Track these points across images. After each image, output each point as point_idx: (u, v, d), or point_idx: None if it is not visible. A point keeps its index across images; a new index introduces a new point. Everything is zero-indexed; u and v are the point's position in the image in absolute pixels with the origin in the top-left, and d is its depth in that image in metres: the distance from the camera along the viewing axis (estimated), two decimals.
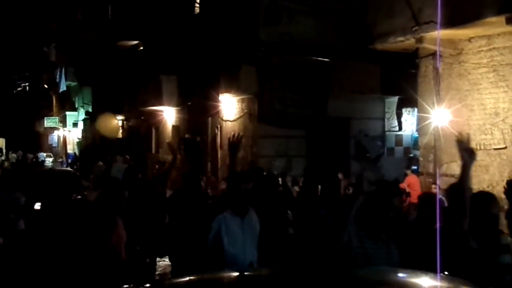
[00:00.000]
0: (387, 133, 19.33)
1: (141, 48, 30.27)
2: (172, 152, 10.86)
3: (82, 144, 46.36)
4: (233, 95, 19.21)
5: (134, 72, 30.07)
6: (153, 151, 30.16)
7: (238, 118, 19.66)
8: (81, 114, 47.06)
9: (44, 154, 45.30)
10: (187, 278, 3.79)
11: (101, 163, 27.14)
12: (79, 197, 16.93)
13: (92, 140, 43.22)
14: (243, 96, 18.86)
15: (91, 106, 42.90)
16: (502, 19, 10.18)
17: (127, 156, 26.42)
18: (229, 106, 20.16)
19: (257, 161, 17.41)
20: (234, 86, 18.55)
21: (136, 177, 10.07)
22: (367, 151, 6.01)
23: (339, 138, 18.17)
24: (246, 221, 6.65)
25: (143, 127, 31.71)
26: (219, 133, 21.25)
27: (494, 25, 10.66)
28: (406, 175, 14.44)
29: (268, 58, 17.38)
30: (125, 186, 7.78)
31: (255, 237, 6.68)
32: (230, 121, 20.20)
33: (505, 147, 11.16)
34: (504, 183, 11.07)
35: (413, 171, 14.50)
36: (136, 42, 30.46)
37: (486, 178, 11.48)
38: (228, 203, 6.81)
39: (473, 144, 11.73)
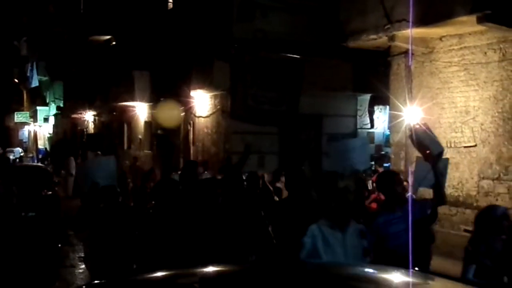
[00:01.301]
0: (359, 130, 19.42)
1: (114, 43, 30.05)
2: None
3: (53, 140, 45.93)
4: (206, 91, 19.17)
5: (106, 67, 29.85)
6: (125, 146, 30.00)
7: (210, 114, 19.62)
8: (52, 109, 46.60)
9: (20, 150, 44.73)
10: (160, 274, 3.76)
11: (72, 158, 26.96)
12: (50, 192, 16.84)
13: (63, 135, 42.87)
14: (216, 93, 18.83)
15: (62, 101, 42.48)
16: (473, 18, 10.28)
17: (99, 152, 26.27)
18: (202, 102, 20.11)
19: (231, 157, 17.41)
20: (207, 82, 18.51)
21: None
22: (427, 147, 5.60)
23: (311, 135, 18.23)
24: (348, 236, 5.07)
25: (115, 122, 31.53)
26: (191, 129, 21.20)
27: (465, 24, 10.77)
28: (376, 171, 14.53)
29: (241, 54, 17.36)
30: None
31: (359, 257, 5.09)
32: (203, 117, 20.15)
33: (475, 145, 11.29)
34: (474, 180, 11.25)
35: (385, 168, 14.58)
36: (108, 37, 30.23)
37: (456, 175, 11.60)
38: (323, 211, 5.35)
39: (443, 142, 11.88)
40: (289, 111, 17.66)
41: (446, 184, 11.67)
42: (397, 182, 5.99)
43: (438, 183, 5.78)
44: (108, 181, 7.76)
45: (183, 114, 21.60)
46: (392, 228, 5.67)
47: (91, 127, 37.10)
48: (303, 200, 7.06)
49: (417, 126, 5.76)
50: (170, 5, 23.06)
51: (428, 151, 5.56)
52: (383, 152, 18.14)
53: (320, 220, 5.14)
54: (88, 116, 36.44)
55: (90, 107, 34.29)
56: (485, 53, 11.11)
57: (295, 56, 17.09)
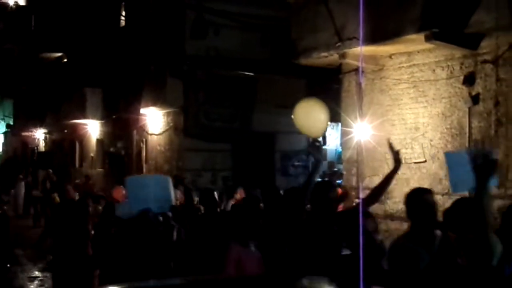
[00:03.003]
0: None
1: (65, 60, 29.74)
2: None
3: (2, 158, 45.07)
4: (159, 109, 19.09)
5: (57, 84, 29.50)
6: (77, 165, 29.60)
7: (163, 132, 19.53)
8: (1, 127, 45.75)
9: None
10: None
11: (21, 177, 26.48)
12: None
13: (13, 153, 42.10)
14: (169, 110, 18.76)
15: (12, 119, 41.77)
16: (421, 36, 10.45)
17: (50, 170, 25.88)
18: (155, 120, 20.01)
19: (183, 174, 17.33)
20: (159, 100, 18.44)
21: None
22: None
23: (264, 152, 18.28)
24: None
25: (67, 140, 31.12)
26: (144, 146, 21.06)
27: (414, 42, 10.94)
28: None
29: (194, 71, 17.37)
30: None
31: None
32: (156, 134, 20.05)
33: (425, 161, 11.44)
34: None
35: (338, 185, 14.66)
36: (60, 54, 29.91)
37: (406, 191, 11.69)
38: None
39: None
40: (242, 128, 17.70)
41: (397, 200, 11.85)
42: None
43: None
44: (164, 207, 6.74)
45: (135, 131, 21.45)
46: None
47: (42, 145, 36.53)
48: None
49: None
50: (123, 22, 22.96)
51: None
52: (335, 169, 18.28)
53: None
54: (39, 134, 35.89)
55: (41, 125, 33.78)
56: (434, 70, 11.30)
57: (248, 73, 17.16)
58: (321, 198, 5.95)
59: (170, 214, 7.09)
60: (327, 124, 5.98)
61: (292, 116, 6.14)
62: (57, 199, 14.83)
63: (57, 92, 29.24)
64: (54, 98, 29.46)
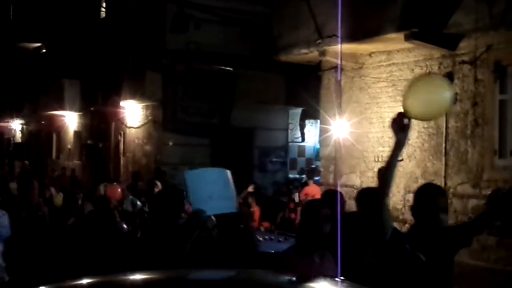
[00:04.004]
0: (290, 144, 19.62)
1: (44, 50, 29.51)
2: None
3: None
4: (138, 102, 19.02)
5: (35, 75, 29.26)
6: (54, 156, 29.41)
7: (142, 125, 19.47)
8: None
9: None
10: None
11: None
12: None
13: None
14: (148, 103, 18.71)
15: None
16: (401, 36, 10.52)
17: (26, 162, 25.70)
18: (133, 113, 19.94)
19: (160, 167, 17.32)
20: (138, 93, 18.38)
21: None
22: None
23: (243, 148, 18.30)
24: None
25: (44, 131, 30.88)
26: (122, 139, 20.98)
27: (394, 41, 11.01)
28: (307, 184, 14.68)
29: (173, 65, 17.32)
30: None
31: None
32: (134, 128, 19.98)
33: (402, 160, 11.49)
34: (400, 194, 11.49)
35: (315, 182, 14.73)
36: (38, 44, 29.68)
37: None
38: None
39: (371, 156, 12.13)
40: (221, 123, 17.70)
41: None
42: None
43: None
44: (229, 206, 5.58)
45: (113, 124, 21.37)
46: None
47: (18, 136, 36.23)
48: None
49: None
50: (103, 14, 22.83)
51: None
52: (313, 166, 18.36)
53: None
54: (16, 125, 35.58)
55: (18, 115, 33.48)
56: (412, 70, 11.38)
57: (227, 68, 17.16)
58: (428, 205, 4.93)
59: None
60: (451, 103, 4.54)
61: (406, 94, 4.52)
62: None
63: (34, 82, 29.01)
64: (32, 89, 29.22)
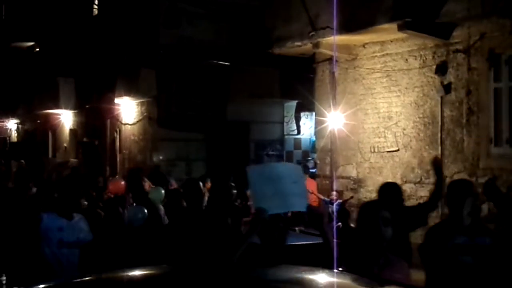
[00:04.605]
0: (286, 137, 19.61)
1: (37, 49, 29.42)
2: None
3: None
4: (132, 98, 18.99)
5: (29, 74, 29.18)
6: (50, 155, 29.37)
7: (137, 122, 19.45)
8: None
9: None
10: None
11: None
12: None
13: None
14: (143, 100, 18.68)
15: None
16: (394, 26, 10.52)
17: (22, 161, 25.64)
18: (129, 109, 19.91)
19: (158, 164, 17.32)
20: (133, 89, 18.35)
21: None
22: None
23: (238, 141, 18.29)
24: None
25: (40, 130, 30.83)
26: (118, 136, 20.96)
27: (387, 31, 11.00)
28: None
29: (167, 61, 17.28)
30: None
31: None
32: (130, 124, 19.96)
33: (398, 150, 11.54)
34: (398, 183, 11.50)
35: (311, 175, 14.70)
36: (31, 43, 29.57)
37: (380, 179, 11.80)
38: None
39: (367, 147, 12.14)
40: (215, 118, 17.68)
41: (370, 188, 11.94)
42: None
43: None
44: (298, 204, 5.01)
45: (108, 121, 21.35)
46: None
47: (14, 135, 36.17)
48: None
49: None
50: (95, 11, 22.75)
51: None
52: (309, 158, 18.37)
53: None
54: (11, 124, 35.52)
55: (13, 115, 33.42)
56: (406, 60, 11.39)
57: (221, 62, 17.12)
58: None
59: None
60: None
61: None
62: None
63: (29, 81, 28.93)
64: (26, 88, 29.15)
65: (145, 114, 18.91)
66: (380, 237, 4.42)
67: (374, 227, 4.44)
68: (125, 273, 3.76)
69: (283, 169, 5.11)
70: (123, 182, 12.31)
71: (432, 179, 10.56)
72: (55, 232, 6.17)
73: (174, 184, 13.11)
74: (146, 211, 7.92)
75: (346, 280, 3.79)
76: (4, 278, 4.34)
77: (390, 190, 6.35)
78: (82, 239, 6.42)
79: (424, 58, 11.05)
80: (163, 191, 10.19)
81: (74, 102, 24.45)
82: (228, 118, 17.96)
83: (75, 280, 3.77)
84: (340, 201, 11.79)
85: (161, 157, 17.85)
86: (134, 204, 9.35)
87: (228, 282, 3.56)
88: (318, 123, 13.73)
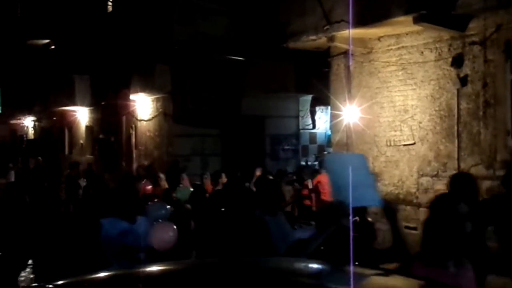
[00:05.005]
0: (301, 131, 19.61)
1: (53, 47, 29.56)
2: None
3: None
4: (148, 95, 19.05)
5: (45, 71, 29.35)
6: (66, 152, 29.53)
7: (153, 118, 19.50)
8: None
9: None
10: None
11: (11, 165, 26.38)
12: None
13: (2, 141, 41.90)
14: (158, 96, 18.73)
15: (0, 107, 41.53)
16: (409, 18, 10.46)
17: (40, 158, 25.80)
18: (144, 106, 19.97)
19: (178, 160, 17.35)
20: (148, 85, 18.40)
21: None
22: None
23: (254, 136, 18.30)
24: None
25: (56, 127, 31.01)
26: (133, 132, 21.02)
27: (402, 24, 10.94)
28: (318, 173, 14.65)
29: (182, 57, 17.31)
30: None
31: None
32: (145, 120, 20.01)
33: (414, 143, 11.48)
34: (414, 178, 11.45)
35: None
36: (47, 41, 29.73)
37: (396, 173, 11.79)
38: None
39: (383, 140, 12.09)
40: (230, 113, 17.69)
41: (387, 182, 11.90)
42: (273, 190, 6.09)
43: None
44: (374, 198, 4.79)
45: (124, 117, 21.41)
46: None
47: (30, 133, 36.39)
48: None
49: None
50: (110, 8, 22.82)
51: None
52: (325, 152, 18.34)
53: None
54: (28, 122, 35.75)
55: (30, 112, 33.65)
56: (422, 52, 11.32)
57: (236, 58, 17.13)
58: None
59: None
60: None
61: None
62: None
63: (45, 79, 29.09)
64: (43, 85, 29.31)
65: (160, 110, 18.95)
66: (459, 233, 4.08)
67: (452, 222, 4.10)
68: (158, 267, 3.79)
69: (357, 160, 4.93)
70: (150, 187, 12.29)
71: (448, 172, 10.54)
72: (118, 237, 5.67)
73: (185, 180, 13.14)
74: (169, 207, 7.87)
75: (361, 273, 3.78)
76: (31, 272, 4.24)
77: (464, 182, 5.91)
78: (146, 243, 5.89)
79: (440, 51, 10.97)
80: (190, 189, 10.27)
81: (90, 99, 24.58)
82: (243, 113, 17.97)
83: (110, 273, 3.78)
84: None
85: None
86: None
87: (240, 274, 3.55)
88: (333, 117, 13.69)
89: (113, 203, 5.64)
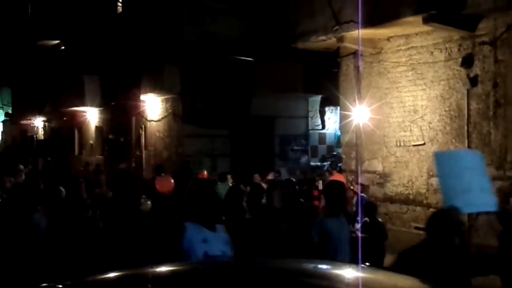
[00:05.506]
0: (310, 131, 19.59)
1: (63, 47, 29.65)
2: None
3: (1, 146, 45.06)
4: (157, 95, 19.07)
5: (55, 72, 29.44)
6: (76, 152, 29.62)
7: (162, 118, 19.53)
8: (0, 116, 45.72)
9: None
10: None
11: (21, 166, 26.42)
12: None
13: (12, 142, 42.09)
14: (167, 96, 18.75)
15: (10, 108, 41.73)
16: (419, 19, 10.43)
17: (49, 158, 25.89)
18: (153, 106, 20.00)
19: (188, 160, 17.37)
20: (158, 86, 18.43)
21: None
22: None
23: (263, 136, 18.30)
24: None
25: (66, 128, 31.09)
26: (143, 133, 21.06)
27: (412, 24, 10.92)
28: (332, 174, 14.61)
29: (191, 57, 17.32)
30: None
31: None
32: (155, 121, 20.05)
33: (424, 143, 11.46)
34: (423, 178, 11.42)
35: (339, 168, 14.63)
36: (57, 41, 29.82)
37: (406, 173, 11.77)
38: None
39: (393, 141, 12.07)
40: (240, 113, 17.70)
41: (397, 183, 11.88)
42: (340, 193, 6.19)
43: None
44: (489, 202, 4.37)
45: (133, 118, 21.46)
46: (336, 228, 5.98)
47: (41, 133, 36.51)
48: None
49: None
50: (120, 9, 22.88)
51: None
52: (334, 153, 18.32)
53: None
54: (38, 122, 35.86)
55: (40, 113, 33.74)
56: (432, 52, 11.30)
57: (245, 58, 17.13)
58: None
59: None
60: None
61: None
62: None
63: (55, 79, 29.18)
64: (53, 86, 29.40)
65: (170, 110, 18.98)
66: None
67: None
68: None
69: (470, 158, 4.52)
70: (172, 181, 11.62)
71: None
72: (200, 244, 5.28)
73: (204, 175, 13.18)
74: None
75: (371, 275, 3.78)
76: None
77: None
78: (226, 252, 5.42)
79: (450, 51, 10.95)
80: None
81: (100, 99, 24.64)
82: (252, 113, 17.98)
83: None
84: (364, 195, 11.72)
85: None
86: None
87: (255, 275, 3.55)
88: (343, 117, 13.68)
89: (194, 209, 5.33)
